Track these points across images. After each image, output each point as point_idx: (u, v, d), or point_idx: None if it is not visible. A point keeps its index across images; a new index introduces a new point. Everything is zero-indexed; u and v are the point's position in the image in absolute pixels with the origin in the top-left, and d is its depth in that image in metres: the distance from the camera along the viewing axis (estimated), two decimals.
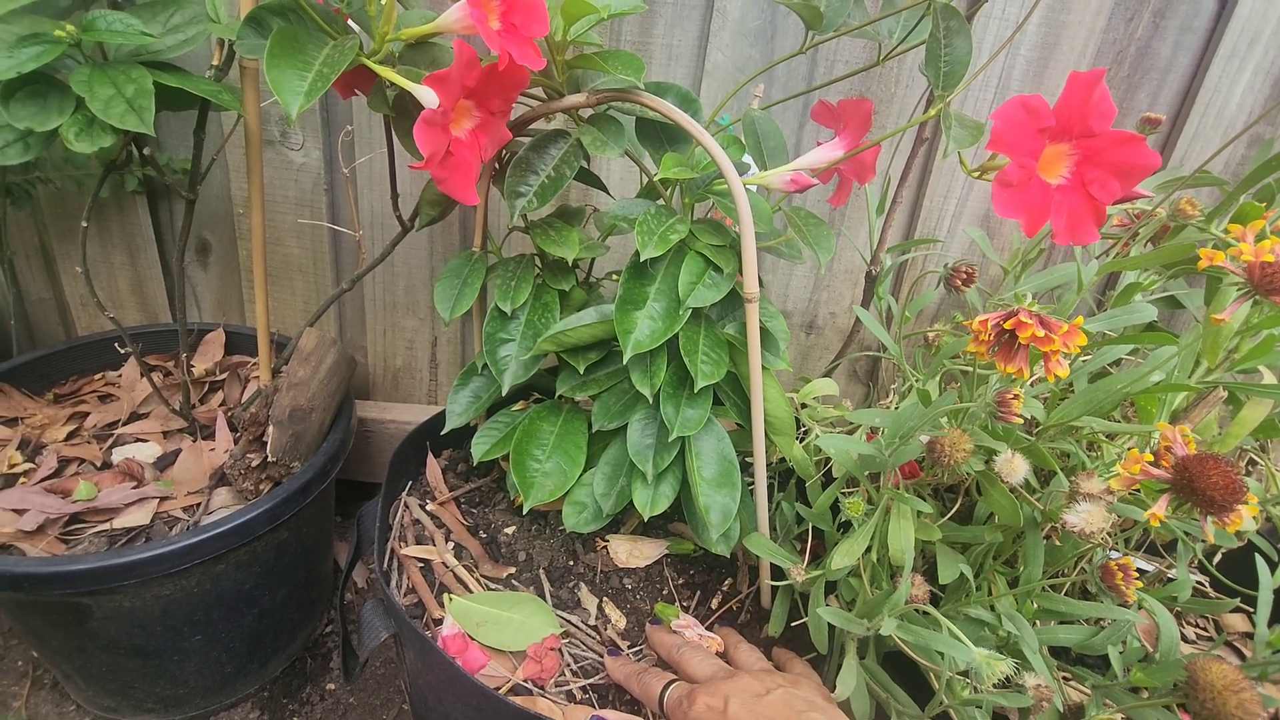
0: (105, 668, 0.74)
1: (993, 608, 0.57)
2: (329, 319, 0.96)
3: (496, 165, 0.61)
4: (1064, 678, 0.59)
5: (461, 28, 0.40)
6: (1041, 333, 0.36)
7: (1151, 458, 0.38)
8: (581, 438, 0.63)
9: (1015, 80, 0.78)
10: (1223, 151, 0.72)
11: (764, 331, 0.53)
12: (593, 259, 0.67)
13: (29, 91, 0.52)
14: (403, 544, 0.66)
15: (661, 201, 0.56)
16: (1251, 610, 0.56)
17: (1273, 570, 0.54)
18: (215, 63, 0.61)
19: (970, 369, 0.52)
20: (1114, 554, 0.54)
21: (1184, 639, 0.76)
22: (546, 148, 0.54)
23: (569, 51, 0.51)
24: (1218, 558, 0.67)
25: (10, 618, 0.73)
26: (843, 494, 0.58)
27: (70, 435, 0.76)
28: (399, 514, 0.70)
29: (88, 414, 0.78)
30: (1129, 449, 0.48)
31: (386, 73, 0.42)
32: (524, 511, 0.58)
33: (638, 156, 0.57)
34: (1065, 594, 0.61)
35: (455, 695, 0.53)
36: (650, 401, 0.54)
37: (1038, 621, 0.56)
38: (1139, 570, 0.69)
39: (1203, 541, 0.61)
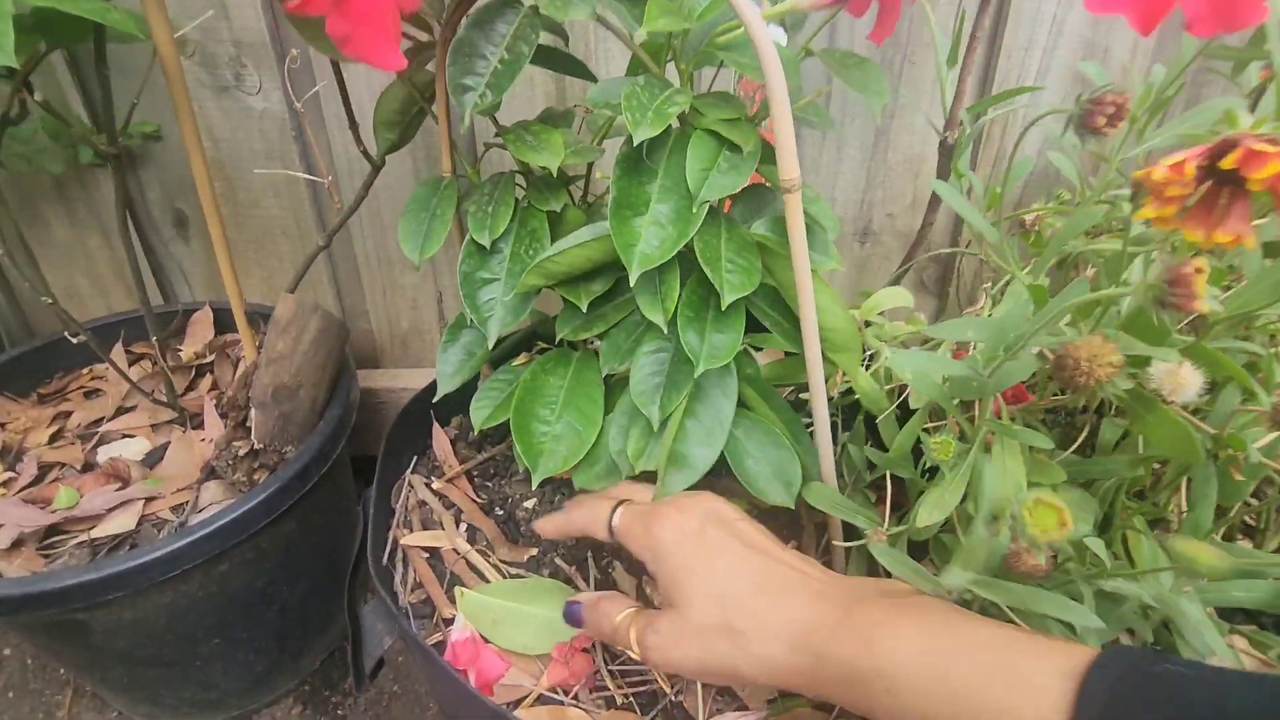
0: (125, 679, 0.69)
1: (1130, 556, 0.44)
2: (323, 285, 0.87)
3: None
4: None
5: None
6: None
7: None
8: (597, 389, 0.52)
9: None
10: None
11: (807, 225, 0.40)
12: (589, 168, 0.55)
13: None
14: (406, 530, 0.57)
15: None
16: None
17: None
18: None
19: (1099, 255, 0.38)
20: None
21: None
22: (493, 23, 0.41)
23: None
24: None
25: (20, 637, 0.69)
26: (926, 430, 0.46)
27: (54, 437, 0.70)
28: (402, 496, 0.61)
29: (72, 413, 0.72)
30: None
31: None
32: (533, 486, 0.48)
33: (621, 30, 0.44)
34: (1224, 538, 0.48)
35: (471, 713, 0.44)
36: (664, 330, 0.43)
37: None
38: None
39: None
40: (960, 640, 0.31)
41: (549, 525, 0.49)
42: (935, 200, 0.55)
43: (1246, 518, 0.50)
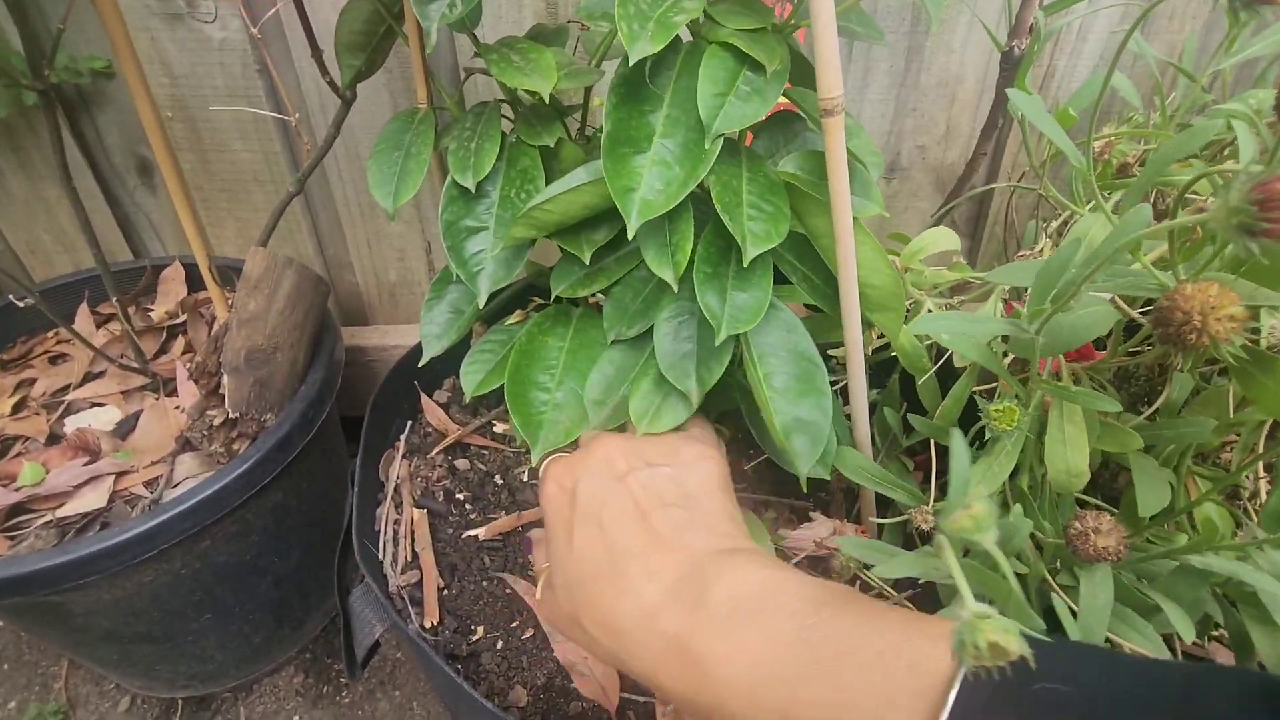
0: (115, 655, 0.66)
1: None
2: (303, 236, 0.80)
3: None
4: None
5: None
6: None
7: None
8: (602, 350, 0.46)
9: None
10: None
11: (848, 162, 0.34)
12: (586, 94, 0.48)
13: None
14: (397, 507, 0.53)
15: None
16: None
17: None
18: None
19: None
20: None
21: None
22: None
23: None
24: None
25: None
26: (977, 393, 0.40)
27: (17, 407, 0.65)
28: (394, 468, 0.56)
29: (36, 380, 0.67)
30: None
31: None
32: (533, 462, 0.43)
33: None
34: None
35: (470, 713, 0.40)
36: (675, 288, 0.37)
37: None
38: None
39: None
40: (808, 655, 0.25)
41: None
42: (989, 128, 0.48)
43: None
